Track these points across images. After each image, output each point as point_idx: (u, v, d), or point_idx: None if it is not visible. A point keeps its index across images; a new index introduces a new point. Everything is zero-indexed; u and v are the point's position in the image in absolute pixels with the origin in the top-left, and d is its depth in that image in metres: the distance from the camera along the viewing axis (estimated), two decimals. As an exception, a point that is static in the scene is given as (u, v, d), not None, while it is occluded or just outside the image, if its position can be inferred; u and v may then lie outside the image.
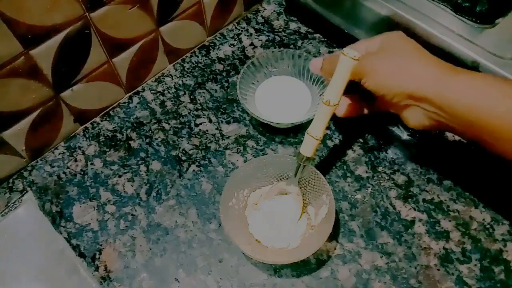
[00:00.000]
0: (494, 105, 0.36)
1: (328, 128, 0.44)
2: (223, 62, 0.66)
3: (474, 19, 0.48)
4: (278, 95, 0.59)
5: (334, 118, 0.44)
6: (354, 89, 0.45)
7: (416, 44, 0.42)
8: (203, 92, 0.63)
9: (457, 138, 0.55)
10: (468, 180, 0.53)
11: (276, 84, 0.60)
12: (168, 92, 0.64)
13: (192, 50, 0.68)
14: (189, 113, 0.61)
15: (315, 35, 0.68)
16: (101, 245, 0.51)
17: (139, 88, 0.64)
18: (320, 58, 0.50)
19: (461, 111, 0.37)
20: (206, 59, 0.67)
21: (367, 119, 0.59)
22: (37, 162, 0.58)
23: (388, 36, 0.43)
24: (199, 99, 0.63)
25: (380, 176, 0.54)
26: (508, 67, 0.45)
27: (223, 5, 0.66)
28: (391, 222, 0.50)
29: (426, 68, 0.39)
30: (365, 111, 0.49)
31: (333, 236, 0.50)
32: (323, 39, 0.67)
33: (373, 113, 0.50)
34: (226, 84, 0.64)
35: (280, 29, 0.69)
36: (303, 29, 0.69)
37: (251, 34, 0.69)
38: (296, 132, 0.58)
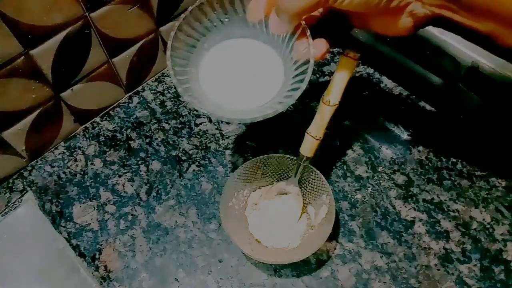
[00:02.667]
0: None
1: (328, 128, 0.44)
2: (223, 62, 0.66)
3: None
4: (234, 69, 0.39)
5: (334, 118, 0.44)
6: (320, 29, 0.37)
7: None
8: (203, 92, 0.63)
9: (456, 138, 0.56)
10: (468, 179, 0.53)
11: (231, 52, 0.40)
12: (168, 92, 0.64)
13: (192, 50, 0.68)
14: (189, 113, 0.61)
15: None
16: (101, 245, 0.51)
17: (139, 88, 0.64)
18: None
19: None
20: (206, 59, 0.67)
21: (367, 119, 0.59)
22: (37, 162, 0.58)
23: None
24: (199, 99, 0.63)
25: (380, 176, 0.54)
26: (508, 67, 0.45)
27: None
28: (391, 222, 0.50)
29: None
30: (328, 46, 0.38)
31: (333, 236, 0.50)
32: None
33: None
34: (226, 84, 0.64)
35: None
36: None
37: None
38: (296, 132, 0.58)
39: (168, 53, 0.36)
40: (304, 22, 0.35)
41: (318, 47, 0.35)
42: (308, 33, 0.35)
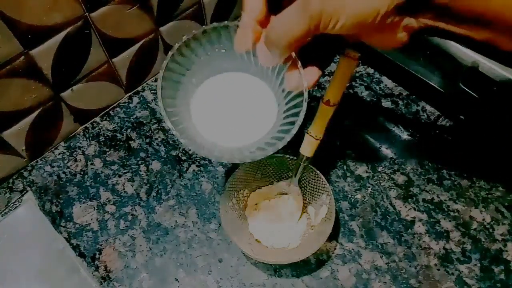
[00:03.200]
0: None
1: (328, 128, 0.44)
2: (223, 62, 0.66)
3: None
4: (226, 105, 0.38)
5: (334, 118, 0.44)
6: (308, 55, 0.35)
7: None
8: (203, 92, 0.63)
9: (456, 137, 0.55)
10: (468, 179, 0.53)
11: (221, 87, 0.38)
12: (168, 92, 0.64)
13: (192, 50, 0.68)
14: (189, 113, 0.61)
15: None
16: (101, 245, 0.51)
17: (139, 88, 0.64)
18: (249, 24, 0.32)
19: None
20: (206, 59, 0.67)
21: (367, 119, 0.59)
22: (37, 162, 0.58)
23: None
24: (199, 99, 0.63)
25: (380, 176, 0.54)
26: (508, 68, 0.45)
27: (223, 5, 0.66)
28: (391, 222, 0.50)
29: None
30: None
31: (333, 236, 0.50)
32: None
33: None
34: (226, 84, 0.64)
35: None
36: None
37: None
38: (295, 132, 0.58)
39: (159, 92, 0.33)
40: (294, 53, 0.32)
41: (310, 75, 0.34)
42: (299, 64, 0.33)
